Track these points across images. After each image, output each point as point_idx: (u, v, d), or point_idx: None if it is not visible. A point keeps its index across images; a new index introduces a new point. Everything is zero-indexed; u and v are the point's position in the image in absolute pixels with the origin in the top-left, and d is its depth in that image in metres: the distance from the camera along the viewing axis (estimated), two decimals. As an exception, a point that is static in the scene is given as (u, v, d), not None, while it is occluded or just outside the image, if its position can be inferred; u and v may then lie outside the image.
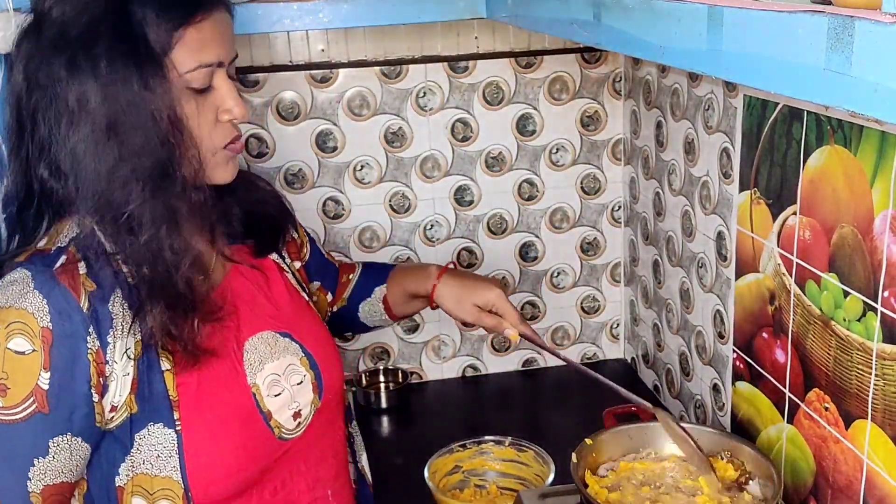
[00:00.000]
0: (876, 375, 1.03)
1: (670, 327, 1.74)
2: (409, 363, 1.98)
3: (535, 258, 1.95)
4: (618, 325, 2.04)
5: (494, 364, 2.00)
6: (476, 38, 1.79)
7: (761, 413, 1.34)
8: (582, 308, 2.01)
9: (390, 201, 1.86)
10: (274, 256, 1.20)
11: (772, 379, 1.29)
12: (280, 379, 1.08)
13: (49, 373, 0.91)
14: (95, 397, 0.95)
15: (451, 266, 1.38)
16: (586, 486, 1.15)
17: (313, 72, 1.76)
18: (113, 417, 0.97)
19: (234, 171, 1.06)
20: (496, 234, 1.92)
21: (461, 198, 1.88)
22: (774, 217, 1.24)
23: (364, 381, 1.93)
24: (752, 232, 1.31)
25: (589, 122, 1.87)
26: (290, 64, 1.75)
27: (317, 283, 1.34)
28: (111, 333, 0.95)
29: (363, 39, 1.76)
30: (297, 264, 1.27)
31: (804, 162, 1.15)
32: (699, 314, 1.58)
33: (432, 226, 1.89)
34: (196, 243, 1.01)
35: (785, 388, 1.25)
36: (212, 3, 0.97)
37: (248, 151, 1.78)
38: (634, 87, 1.80)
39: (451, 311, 1.33)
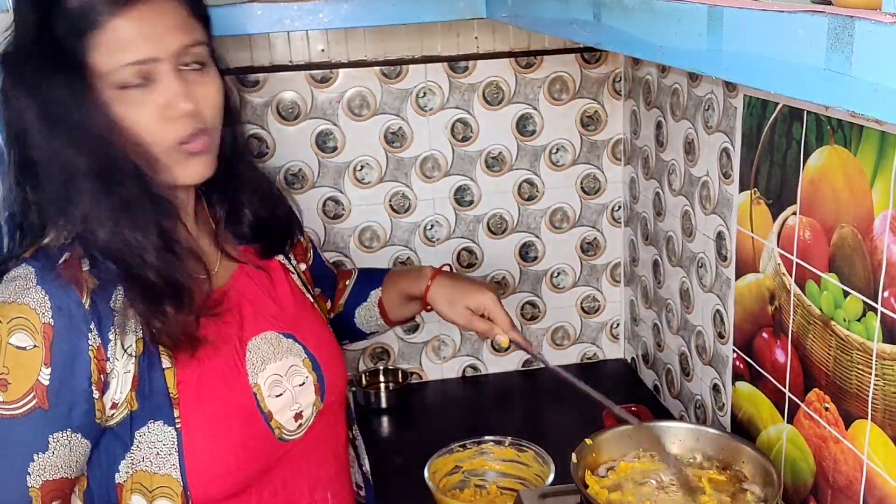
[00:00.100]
0: (876, 375, 1.03)
1: (670, 327, 1.74)
2: (409, 363, 1.98)
3: (535, 258, 1.95)
4: (618, 325, 2.04)
5: (494, 364, 2.00)
6: (476, 38, 1.79)
7: (761, 413, 1.34)
8: (582, 308, 2.01)
9: (390, 201, 1.86)
10: (280, 258, 1.21)
11: (772, 379, 1.29)
12: (282, 380, 1.08)
13: (50, 369, 0.92)
14: (96, 394, 0.95)
15: (447, 268, 1.38)
16: (586, 486, 1.15)
17: (313, 72, 1.76)
18: (113, 414, 0.98)
19: (200, 171, 1.02)
20: (496, 234, 1.92)
21: (461, 198, 1.88)
22: (774, 217, 1.24)
23: (364, 381, 1.93)
24: (752, 232, 1.31)
25: (589, 122, 1.87)
26: (290, 64, 1.75)
27: (317, 290, 1.34)
28: (112, 330, 0.95)
29: (363, 39, 1.76)
30: (303, 266, 1.27)
31: (804, 162, 1.15)
32: (699, 314, 1.58)
33: (432, 226, 1.89)
34: (186, 238, 1.03)
35: (785, 388, 1.25)
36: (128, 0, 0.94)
37: (248, 151, 1.77)
38: (634, 87, 1.80)
39: (443, 313, 1.32)
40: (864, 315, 1.04)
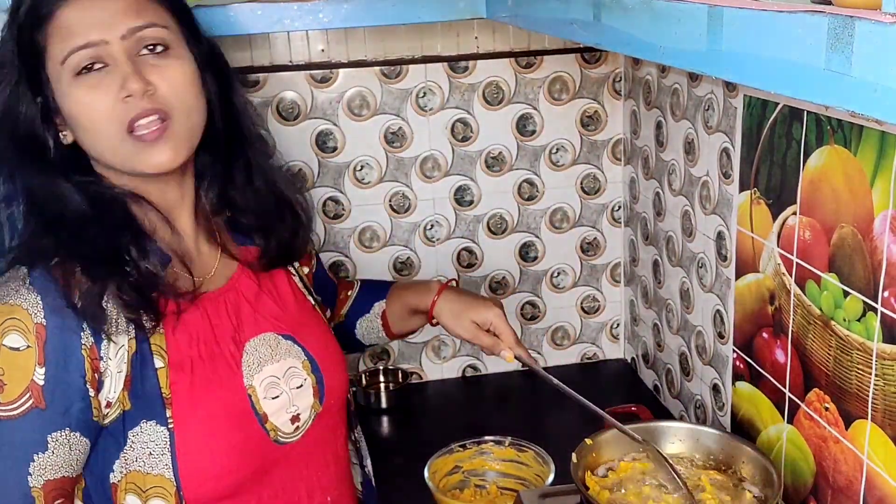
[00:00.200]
0: (876, 375, 1.03)
1: (670, 327, 1.74)
2: (409, 363, 1.98)
3: (535, 258, 1.95)
4: (618, 325, 2.04)
5: (494, 364, 2.00)
6: (476, 38, 1.79)
7: (761, 413, 1.34)
8: (582, 308, 2.01)
9: (390, 201, 1.86)
10: None
11: (772, 379, 1.29)
12: (279, 381, 1.08)
13: (44, 368, 0.93)
14: (91, 392, 0.95)
15: (453, 283, 1.38)
16: (587, 486, 1.15)
17: (313, 72, 1.76)
18: (108, 413, 0.98)
19: (159, 158, 0.99)
20: (496, 234, 1.92)
21: (461, 198, 1.88)
22: (774, 217, 1.24)
23: (364, 381, 1.93)
24: (752, 232, 1.31)
25: (589, 122, 1.87)
26: (290, 64, 1.75)
27: (318, 298, 1.34)
28: (105, 330, 0.96)
29: (363, 39, 1.76)
30: (306, 269, 1.27)
31: (804, 162, 1.15)
32: (699, 314, 1.58)
33: (432, 226, 1.89)
34: (162, 231, 1.05)
35: (785, 388, 1.25)
36: None
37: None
38: (634, 87, 1.80)
39: (449, 327, 1.33)
40: (864, 315, 1.04)
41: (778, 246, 1.23)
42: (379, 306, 1.40)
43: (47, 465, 0.94)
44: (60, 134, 1.01)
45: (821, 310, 1.13)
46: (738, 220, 1.36)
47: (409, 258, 1.90)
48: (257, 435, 1.05)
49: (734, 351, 1.43)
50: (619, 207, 1.94)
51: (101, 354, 0.96)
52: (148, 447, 0.99)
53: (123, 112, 0.96)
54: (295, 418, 1.08)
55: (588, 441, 1.22)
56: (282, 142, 1.77)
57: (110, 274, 0.97)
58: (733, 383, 1.44)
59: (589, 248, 1.96)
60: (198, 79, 1.03)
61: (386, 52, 1.77)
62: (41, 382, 0.93)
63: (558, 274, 1.97)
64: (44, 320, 0.93)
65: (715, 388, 1.54)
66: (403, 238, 1.89)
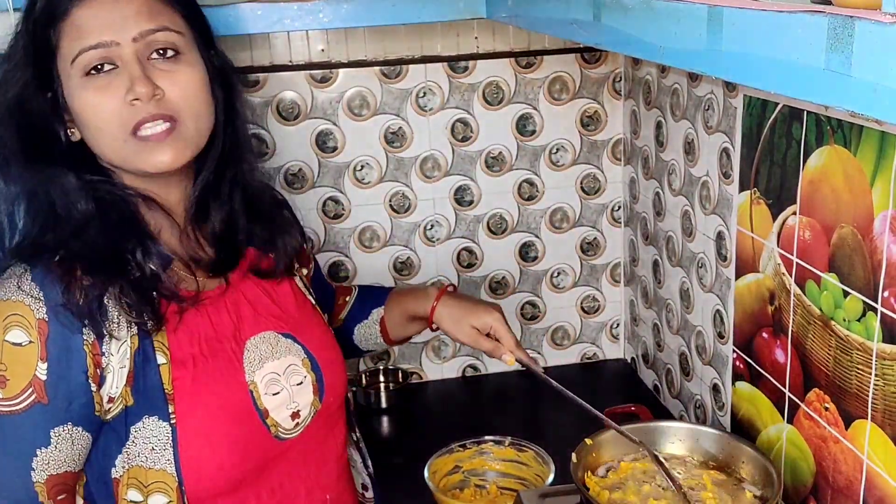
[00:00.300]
0: (876, 375, 1.03)
1: (670, 327, 1.74)
2: (409, 363, 1.98)
3: (535, 258, 1.95)
4: (618, 325, 2.04)
5: (494, 364, 2.00)
6: (476, 38, 1.79)
7: (761, 413, 1.34)
8: (582, 308, 2.01)
9: (390, 201, 1.86)
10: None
11: (772, 379, 1.29)
12: (279, 378, 1.08)
13: (46, 363, 0.93)
14: (93, 387, 0.96)
15: (451, 288, 1.38)
16: (587, 487, 1.15)
17: (313, 72, 1.76)
18: (110, 409, 0.98)
19: (161, 158, 0.99)
20: (496, 234, 1.92)
21: (461, 198, 1.88)
22: (774, 217, 1.24)
23: (364, 381, 1.93)
24: (752, 232, 1.31)
25: (589, 122, 1.87)
26: (290, 64, 1.75)
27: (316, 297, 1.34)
28: (107, 326, 0.96)
29: (363, 39, 1.76)
30: (304, 271, 1.27)
31: (804, 162, 1.15)
32: (699, 314, 1.58)
33: (432, 226, 1.89)
34: (162, 229, 1.05)
35: (785, 388, 1.25)
36: None
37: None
38: (634, 87, 1.80)
39: (450, 332, 1.33)
40: (863, 315, 1.04)
41: (778, 246, 1.23)
42: (377, 313, 1.40)
43: (50, 459, 0.95)
44: (69, 130, 1.01)
45: (821, 310, 1.13)
46: (738, 220, 1.36)
47: (409, 258, 1.90)
48: (258, 430, 1.05)
49: (734, 351, 1.43)
50: (619, 207, 1.95)
51: (103, 350, 0.96)
52: (150, 442, 0.99)
53: (129, 115, 0.97)
54: (295, 415, 1.09)
55: (588, 441, 1.22)
56: (282, 142, 1.78)
57: (111, 275, 0.97)
58: (733, 383, 1.44)
59: (589, 248, 1.96)
60: (207, 85, 1.03)
61: (386, 52, 1.77)
62: (44, 377, 0.93)
63: (558, 274, 1.97)
64: (46, 316, 0.93)
65: (715, 388, 1.54)
66: (403, 238, 1.89)
